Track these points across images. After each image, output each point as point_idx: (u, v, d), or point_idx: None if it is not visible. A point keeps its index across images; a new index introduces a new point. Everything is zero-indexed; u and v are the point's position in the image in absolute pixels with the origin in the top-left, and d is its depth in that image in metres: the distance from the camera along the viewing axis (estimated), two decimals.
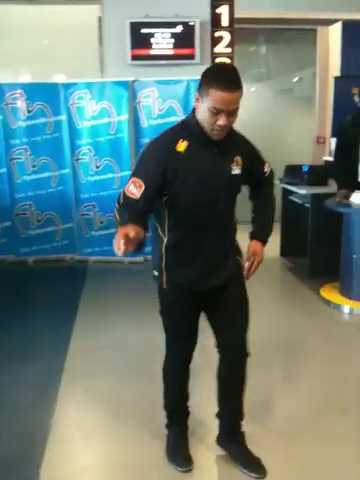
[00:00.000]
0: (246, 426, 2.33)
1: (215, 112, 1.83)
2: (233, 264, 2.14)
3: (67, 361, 3.27)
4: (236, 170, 2.02)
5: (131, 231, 1.68)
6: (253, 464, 2.22)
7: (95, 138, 5.29)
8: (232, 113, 1.86)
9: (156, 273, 2.13)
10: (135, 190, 1.91)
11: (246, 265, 2.14)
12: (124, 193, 1.94)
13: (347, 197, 4.19)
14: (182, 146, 1.93)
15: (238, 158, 2.02)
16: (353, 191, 4.15)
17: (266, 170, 2.19)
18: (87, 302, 4.34)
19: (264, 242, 2.20)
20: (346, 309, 4.09)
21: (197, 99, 1.90)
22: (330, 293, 4.31)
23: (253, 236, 2.20)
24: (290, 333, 3.70)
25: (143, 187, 1.90)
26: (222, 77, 1.82)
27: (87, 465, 2.34)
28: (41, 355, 3.37)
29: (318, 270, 4.69)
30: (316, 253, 4.68)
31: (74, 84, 5.22)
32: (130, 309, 4.18)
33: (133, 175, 1.96)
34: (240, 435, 2.31)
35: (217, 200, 2.00)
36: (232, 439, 2.31)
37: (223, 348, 2.22)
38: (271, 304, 4.20)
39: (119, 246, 1.65)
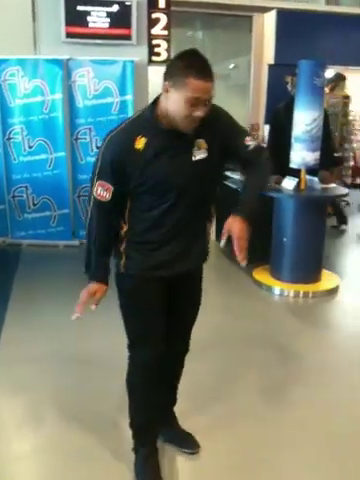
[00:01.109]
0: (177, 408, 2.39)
1: (194, 102, 1.73)
2: (200, 253, 2.06)
3: (0, 348, 3.19)
4: (199, 155, 1.87)
5: (98, 293, 1.92)
6: (187, 441, 2.31)
7: (28, 117, 5.12)
8: (207, 103, 1.77)
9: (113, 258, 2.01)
10: (104, 193, 1.87)
11: (222, 243, 1.87)
12: (93, 196, 1.89)
13: (278, 182, 4.32)
14: (141, 143, 1.81)
15: (200, 141, 1.87)
16: (284, 177, 4.29)
17: (248, 144, 1.97)
18: (20, 288, 4.23)
19: (244, 217, 1.90)
20: (277, 290, 4.25)
21: (167, 90, 1.76)
22: (262, 275, 4.45)
23: (232, 211, 1.94)
24: (223, 314, 3.80)
25: (111, 189, 1.86)
26: (200, 66, 1.72)
27: (23, 451, 2.31)
28: None
29: (251, 253, 4.78)
30: (249, 236, 4.80)
31: (6, 60, 5.01)
32: (65, 295, 4.11)
33: (97, 178, 1.87)
34: (174, 418, 2.36)
35: (183, 192, 1.87)
36: (167, 422, 2.32)
37: (169, 347, 2.07)
38: (205, 286, 4.28)
39: (83, 304, 1.91)
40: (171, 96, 1.76)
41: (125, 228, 1.95)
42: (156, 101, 1.84)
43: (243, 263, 1.87)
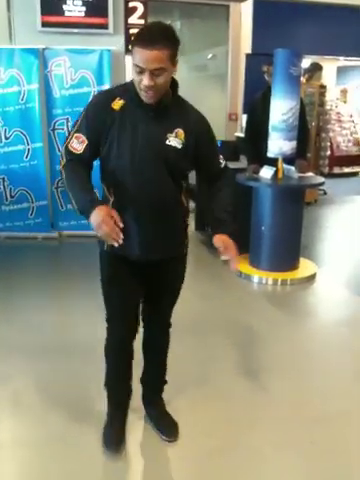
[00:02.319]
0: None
1: (138, 70, 1.79)
2: (176, 245, 2.09)
3: None
4: (174, 142, 1.92)
5: (112, 212, 1.84)
6: (167, 428, 2.35)
7: (4, 107, 5.07)
8: (156, 73, 1.78)
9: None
10: (78, 145, 1.92)
11: (224, 258, 2.00)
12: (67, 148, 1.94)
13: (256, 172, 4.36)
14: (118, 104, 1.91)
15: (180, 131, 1.93)
16: (262, 166, 4.33)
17: (221, 162, 2.08)
18: None
19: (228, 234, 2.01)
20: (255, 279, 4.30)
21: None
22: (241, 264, 4.48)
23: (215, 230, 2.04)
24: (201, 302, 3.84)
25: (86, 142, 1.91)
26: (144, 35, 1.77)
27: (1, 440, 2.31)
28: None
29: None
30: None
31: None
32: (44, 287, 4.11)
33: (75, 130, 1.94)
34: (160, 399, 2.42)
35: (148, 168, 1.91)
36: (152, 402, 2.42)
37: (146, 322, 2.27)
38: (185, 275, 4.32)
39: (114, 237, 1.80)
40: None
41: (111, 200, 1.98)
42: None
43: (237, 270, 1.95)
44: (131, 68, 1.84)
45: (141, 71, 1.78)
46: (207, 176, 2.11)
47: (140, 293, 2.15)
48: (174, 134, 1.92)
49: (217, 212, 2.08)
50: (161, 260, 2.07)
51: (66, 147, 1.95)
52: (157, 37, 1.75)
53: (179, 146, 1.93)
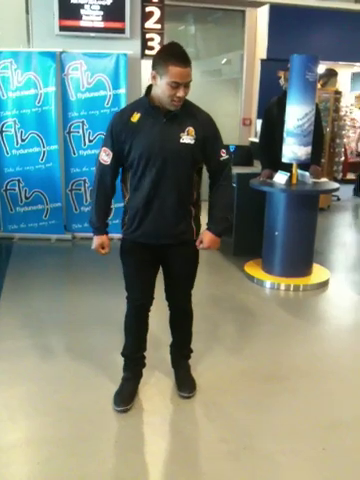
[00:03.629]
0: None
1: (174, 86, 2.15)
2: (185, 229, 2.41)
3: None
4: (187, 139, 2.27)
5: (105, 243, 2.42)
6: (184, 386, 2.67)
7: (20, 110, 5.12)
8: (187, 85, 2.19)
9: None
10: (106, 157, 2.34)
11: (197, 244, 2.44)
12: (98, 160, 2.37)
13: (270, 177, 4.36)
14: (135, 117, 2.28)
15: (190, 129, 2.28)
16: (276, 171, 4.32)
17: (223, 156, 2.39)
18: (12, 282, 4.24)
19: (216, 234, 2.42)
20: (268, 284, 4.29)
21: (154, 77, 2.20)
22: (254, 269, 4.49)
23: (207, 227, 2.45)
24: (214, 307, 3.84)
25: (111, 154, 2.33)
26: (178, 55, 2.14)
27: (15, 440, 2.33)
28: None
29: (243, 247, 4.87)
30: (241, 231, 4.86)
31: None
32: (57, 288, 4.14)
33: (103, 145, 2.36)
34: (185, 364, 2.74)
35: (164, 164, 2.26)
36: (178, 366, 2.75)
37: (168, 303, 2.62)
38: (197, 280, 4.31)
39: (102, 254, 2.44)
40: (157, 82, 2.20)
41: (127, 197, 2.39)
42: (150, 87, 2.29)
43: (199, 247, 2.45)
44: (158, 83, 2.17)
45: (177, 86, 2.15)
46: (210, 167, 2.41)
47: (152, 269, 2.49)
48: (186, 132, 2.28)
49: (214, 209, 2.45)
50: (171, 244, 2.40)
51: (98, 160, 2.37)
52: (187, 57, 2.16)
53: (192, 142, 2.28)
